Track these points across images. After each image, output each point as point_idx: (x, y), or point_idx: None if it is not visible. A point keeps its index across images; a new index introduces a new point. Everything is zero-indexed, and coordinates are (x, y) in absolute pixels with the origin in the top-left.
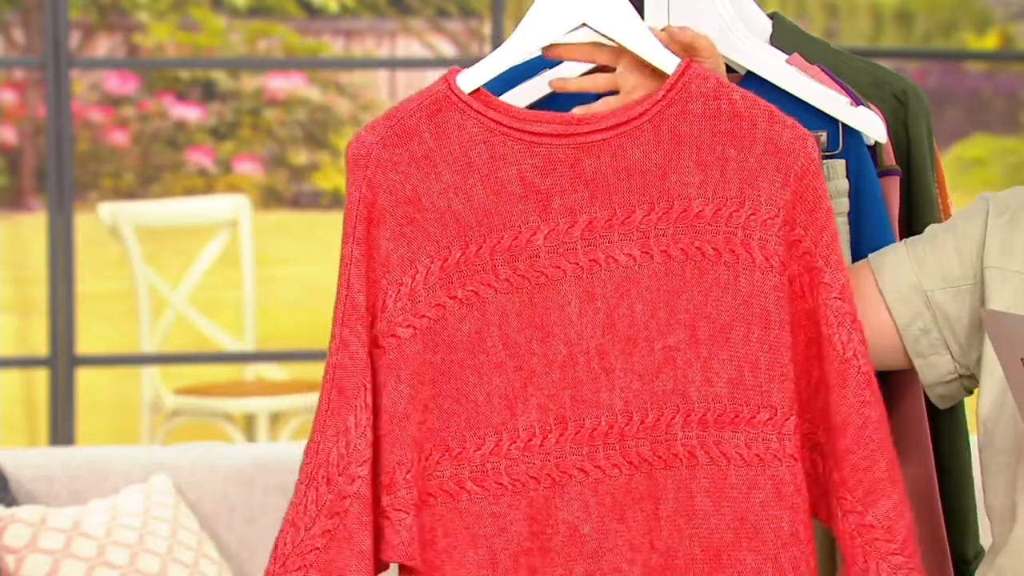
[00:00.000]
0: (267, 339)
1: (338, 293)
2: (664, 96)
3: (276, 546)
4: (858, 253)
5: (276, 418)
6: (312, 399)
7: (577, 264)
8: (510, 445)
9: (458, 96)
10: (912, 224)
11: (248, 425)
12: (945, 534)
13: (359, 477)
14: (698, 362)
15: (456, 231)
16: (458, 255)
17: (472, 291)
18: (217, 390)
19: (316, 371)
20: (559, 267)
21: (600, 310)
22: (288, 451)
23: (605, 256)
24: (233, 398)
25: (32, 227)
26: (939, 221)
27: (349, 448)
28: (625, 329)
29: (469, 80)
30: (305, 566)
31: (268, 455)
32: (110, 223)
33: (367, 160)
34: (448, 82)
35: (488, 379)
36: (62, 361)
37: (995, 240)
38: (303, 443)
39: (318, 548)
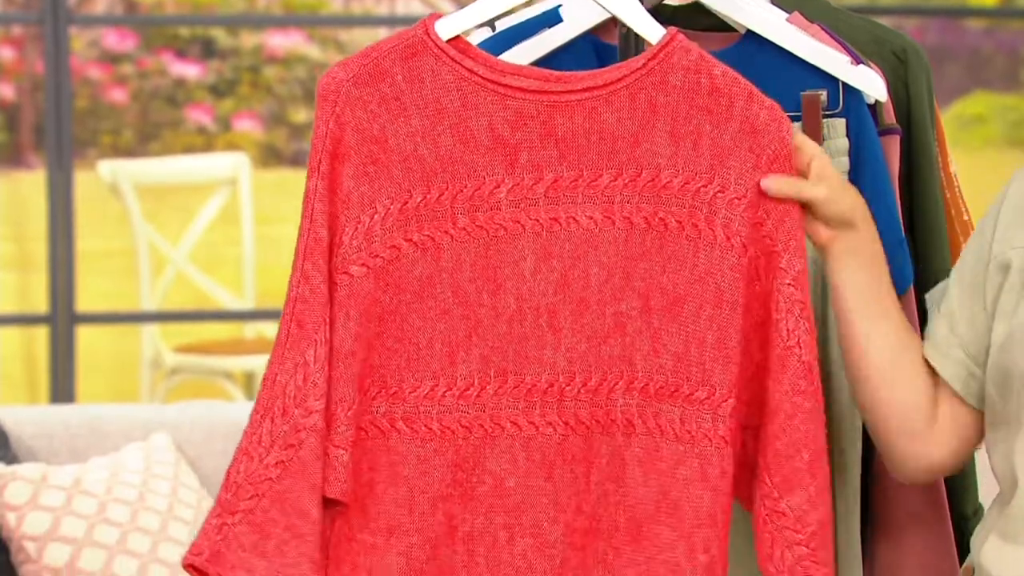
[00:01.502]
0: (267, 297)
1: (301, 226)
2: (644, 65)
3: (228, 475)
4: None
5: None
6: None
7: (537, 221)
8: (446, 391)
9: (435, 42)
10: (912, 183)
11: (248, 383)
12: (944, 491)
13: (316, 411)
14: (648, 331)
15: (419, 175)
16: (418, 199)
17: (428, 236)
18: (217, 348)
19: None
20: (519, 222)
21: (555, 269)
22: None
23: (566, 216)
24: (233, 356)
25: (31, 184)
26: (939, 180)
27: (307, 381)
28: (578, 291)
29: (448, 27)
30: (257, 495)
31: None
32: (109, 180)
33: (336, 96)
34: (426, 27)
35: (433, 324)
36: (62, 319)
37: (1004, 220)
38: None
39: (271, 479)
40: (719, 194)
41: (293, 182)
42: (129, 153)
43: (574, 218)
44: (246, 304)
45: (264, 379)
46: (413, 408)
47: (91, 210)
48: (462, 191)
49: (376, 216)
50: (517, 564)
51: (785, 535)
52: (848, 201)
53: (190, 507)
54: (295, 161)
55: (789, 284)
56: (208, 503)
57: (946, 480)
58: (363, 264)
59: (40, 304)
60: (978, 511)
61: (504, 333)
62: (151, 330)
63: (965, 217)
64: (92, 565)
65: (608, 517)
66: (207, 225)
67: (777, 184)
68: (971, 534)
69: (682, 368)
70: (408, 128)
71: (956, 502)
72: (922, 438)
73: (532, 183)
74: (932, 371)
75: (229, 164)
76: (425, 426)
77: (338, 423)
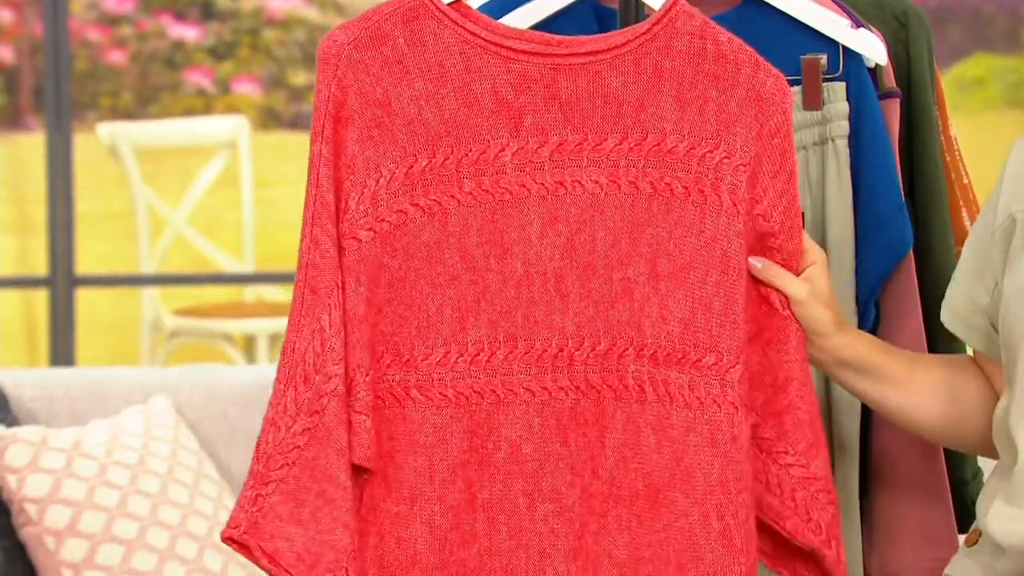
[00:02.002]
0: (266, 260)
1: (307, 192)
2: (649, 30)
3: (258, 446)
4: (857, 176)
5: (276, 339)
6: None
7: (543, 185)
8: (457, 358)
9: (436, 5)
10: (912, 146)
11: (248, 346)
12: (943, 455)
13: (335, 375)
14: (655, 297)
15: (424, 139)
16: (424, 163)
17: (435, 200)
18: (217, 311)
19: None
20: (524, 186)
21: (561, 234)
22: None
23: (572, 180)
24: (233, 319)
25: (30, 147)
26: (939, 144)
27: (324, 347)
28: (585, 255)
29: None
30: (287, 464)
31: (268, 376)
32: (108, 143)
33: (338, 60)
34: None
35: (442, 290)
36: (61, 281)
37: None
38: None
39: (299, 446)
40: (725, 160)
41: (292, 145)
42: (128, 116)
43: (579, 182)
44: (246, 267)
45: (283, 347)
46: (426, 376)
47: (90, 173)
48: (467, 155)
49: (382, 180)
50: (539, 530)
51: (819, 498)
52: (819, 316)
53: (190, 470)
54: (294, 124)
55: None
56: (208, 466)
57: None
58: (370, 229)
59: (40, 267)
60: (977, 475)
61: (512, 298)
62: (151, 293)
63: (965, 181)
64: (92, 527)
65: (628, 484)
66: (206, 188)
67: (764, 267)
68: (970, 499)
69: (689, 334)
70: (411, 91)
71: (955, 467)
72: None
73: (537, 147)
74: (968, 363)
75: (228, 127)
76: (440, 393)
77: (358, 389)
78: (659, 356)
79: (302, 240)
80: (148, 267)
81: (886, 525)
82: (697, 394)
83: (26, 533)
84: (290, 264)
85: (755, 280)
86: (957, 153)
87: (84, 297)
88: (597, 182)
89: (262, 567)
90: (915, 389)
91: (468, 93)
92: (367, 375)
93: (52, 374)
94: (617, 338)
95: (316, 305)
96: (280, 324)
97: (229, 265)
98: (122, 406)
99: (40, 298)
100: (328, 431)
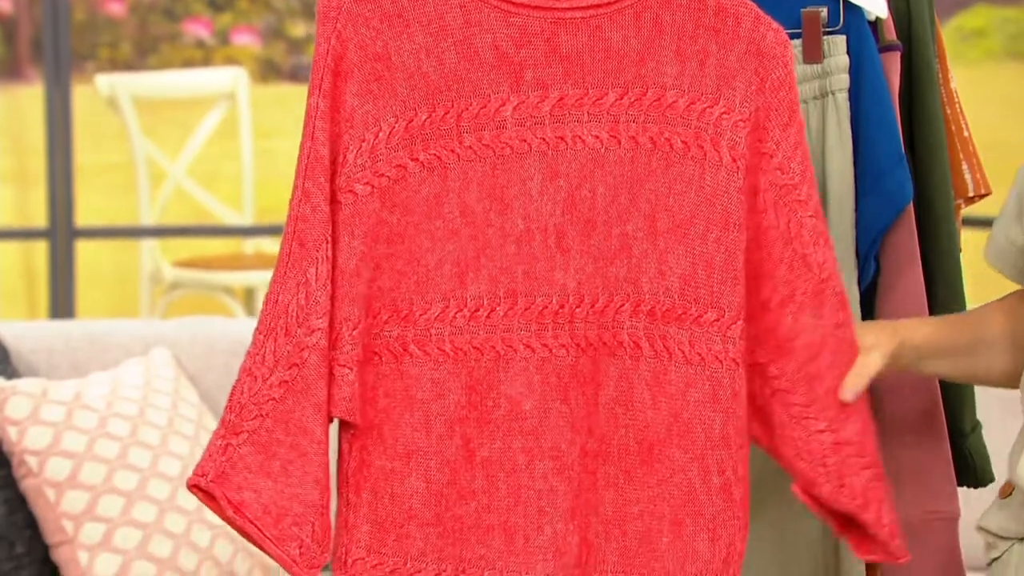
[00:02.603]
0: (266, 212)
1: (302, 145)
2: None
3: (232, 395)
4: (857, 130)
5: None
6: None
7: (543, 140)
8: (456, 313)
9: None
10: (912, 99)
11: (248, 298)
12: (942, 407)
13: (318, 329)
14: (654, 253)
15: (424, 93)
16: (424, 117)
17: (434, 155)
18: (217, 263)
19: None
20: (525, 140)
21: (562, 189)
22: None
23: (572, 135)
24: (233, 271)
25: (29, 98)
26: (939, 97)
27: (309, 300)
28: (585, 211)
29: None
30: (261, 415)
31: None
32: (107, 94)
33: (338, 13)
34: None
35: (442, 245)
36: (61, 233)
37: None
38: None
39: (275, 399)
40: (724, 115)
41: (292, 97)
42: (127, 67)
43: (580, 137)
44: (245, 219)
45: (266, 299)
46: (424, 331)
47: (89, 124)
48: (467, 109)
49: (381, 135)
50: (538, 487)
51: (851, 463)
52: (875, 341)
53: (190, 422)
54: (293, 76)
55: (811, 216)
56: (208, 418)
57: (944, 397)
58: (368, 183)
59: (39, 219)
60: (976, 428)
61: (513, 254)
62: (150, 245)
63: (965, 134)
64: (93, 479)
65: (617, 440)
66: (205, 140)
67: (851, 388)
68: (969, 451)
69: (689, 290)
70: (412, 45)
71: (954, 419)
72: None
73: (538, 101)
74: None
75: (227, 78)
76: (438, 348)
77: (343, 342)
78: (657, 312)
79: (293, 193)
80: (148, 219)
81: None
82: (698, 350)
83: (26, 485)
84: None
85: (790, 240)
86: (958, 106)
87: (84, 249)
88: (598, 137)
89: (225, 518)
90: (986, 348)
91: (468, 47)
92: (354, 328)
93: (52, 326)
94: (614, 294)
95: (303, 258)
96: None
97: (229, 217)
98: (122, 358)
99: (40, 250)
100: (307, 384)
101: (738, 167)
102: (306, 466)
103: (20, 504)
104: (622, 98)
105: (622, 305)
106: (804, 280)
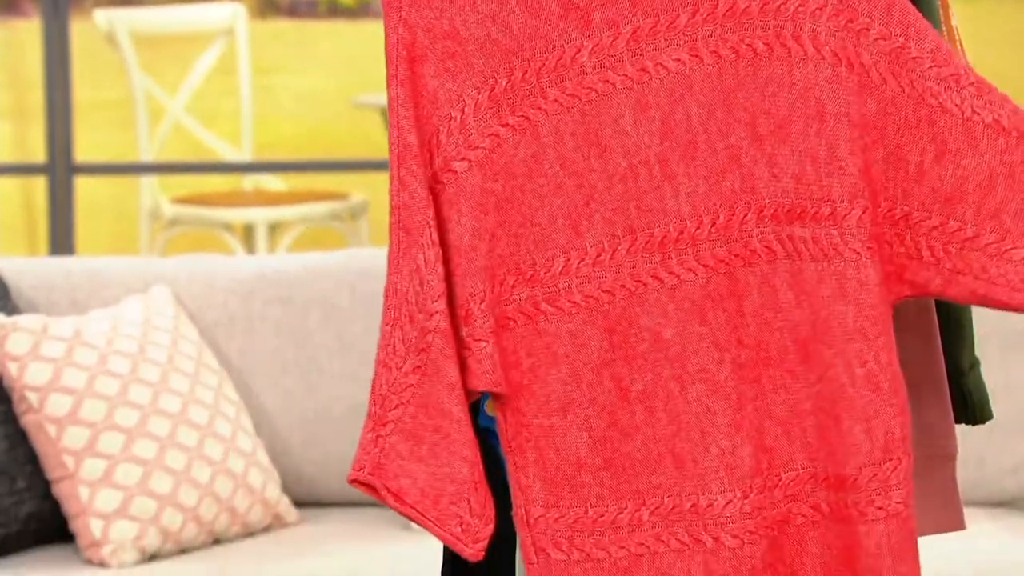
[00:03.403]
0: (265, 149)
1: (390, 136)
2: None
3: (373, 388)
4: None
5: (274, 228)
6: (311, 209)
7: (626, 76)
8: (579, 263)
9: None
10: None
11: (247, 235)
12: (940, 345)
13: (436, 312)
14: (763, 159)
15: (499, 59)
16: (504, 82)
17: (523, 116)
18: (215, 200)
19: (315, 181)
20: (608, 81)
21: (655, 118)
22: (286, 262)
23: (654, 64)
24: (232, 208)
25: (28, 33)
26: (941, 34)
27: (423, 285)
28: (683, 134)
29: None
30: (402, 403)
31: (267, 267)
32: (106, 29)
33: (400, 1)
34: None
35: (549, 200)
36: (60, 168)
37: None
38: (302, 254)
39: (411, 385)
40: (800, 8)
41: (290, 32)
42: (125, 2)
43: (662, 64)
44: (244, 156)
45: (386, 290)
46: (552, 287)
47: (88, 60)
48: (545, 64)
49: (467, 109)
50: (694, 411)
51: None
52: None
53: (190, 359)
54: (292, 11)
55: (931, 67)
56: (207, 355)
57: (942, 335)
58: (464, 159)
59: (38, 154)
60: (974, 365)
61: (621, 193)
62: (149, 181)
63: None
64: (93, 415)
65: (775, 343)
66: (204, 76)
67: None
68: (967, 389)
69: (803, 188)
70: (477, 15)
71: (952, 356)
72: None
73: (611, 40)
74: None
75: (226, 14)
76: (568, 301)
77: (474, 317)
78: (780, 214)
79: (391, 183)
80: (147, 155)
81: None
82: (821, 246)
83: (27, 420)
84: (288, 153)
85: (920, 98)
86: (959, 44)
87: (83, 185)
88: (679, 60)
89: (389, 505)
90: None
91: (532, 4)
92: (482, 302)
93: (52, 263)
94: (735, 207)
95: (411, 245)
96: (279, 212)
97: (227, 154)
98: (122, 295)
99: (39, 186)
100: (436, 367)
101: (823, 56)
102: (451, 446)
103: (21, 439)
104: (695, 16)
105: (746, 215)
106: (948, 128)
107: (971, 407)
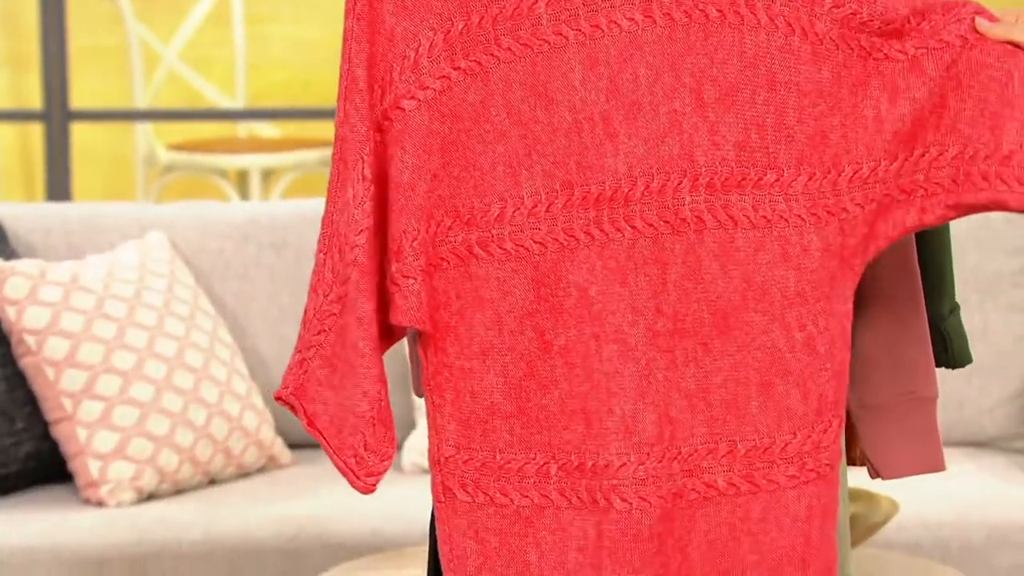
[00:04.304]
0: (258, 96)
1: (341, 69)
2: None
3: (305, 312)
4: None
5: (268, 174)
6: (304, 156)
7: (579, 31)
8: (514, 211)
9: None
10: None
11: (241, 181)
12: (921, 289)
13: (357, 245)
14: (705, 125)
15: (458, 2)
16: (460, 26)
17: (475, 61)
18: (211, 146)
19: (308, 129)
20: (561, 34)
21: (603, 75)
22: (280, 209)
23: (607, 21)
24: (226, 154)
25: None
26: None
27: (351, 218)
28: (630, 94)
29: None
30: (324, 330)
31: (261, 212)
32: None
33: None
34: None
35: (492, 147)
36: (56, 115)
37: None
38: (295, 201)
39: (334, 314)
40: None
41: None
42: None
43: (615, 22)
44: (238, 103)
45: (323, 219)
46: (486, 232)
47: (83, 8)
48: (502, 11)
49: (421, 49)
50: (606, 370)
51: None
52: None
53: (185, 303)
54: None
55: (880, 24)
56: (203, 300)
57: (923, 279)
58: (413, 97)
59: (34, 101)
60: (954, 310)
61: (563, 146)
62: (145, 128)
63: None
64: (91, 359)
65: (692, 315)
66: (198, 24)
67: (987, 26)
68: (947, 333)
69: (745, 156)
70: None
71: (933, 301)
72: None
73: None
74: None
75: None
76: (499, 247)
77: (405, 254)
78: (716, 183)
79: (337, 115)
80: (141, 103)
81: (864, 359)
82: (763, 213)
83: (26, 363)
84: (282, 100)
85: (867, 56)
86: None
87: (79, 131)
88: (632, 19)
89: (304, 427)
90: None
91: None
92: (414, 240)
93: (49, 208)
94: (671, 173)
95: (346, 179)
96: (273, 159)
97: (222, 101)
98: (118, 241)
99: (36, 132)
100: (352, 299)
101: (776, 26)
102: (355, 378)
103: (19, 381)
104: None
105: (680, 182)
106: (897, 72)
107: (951, 351)
